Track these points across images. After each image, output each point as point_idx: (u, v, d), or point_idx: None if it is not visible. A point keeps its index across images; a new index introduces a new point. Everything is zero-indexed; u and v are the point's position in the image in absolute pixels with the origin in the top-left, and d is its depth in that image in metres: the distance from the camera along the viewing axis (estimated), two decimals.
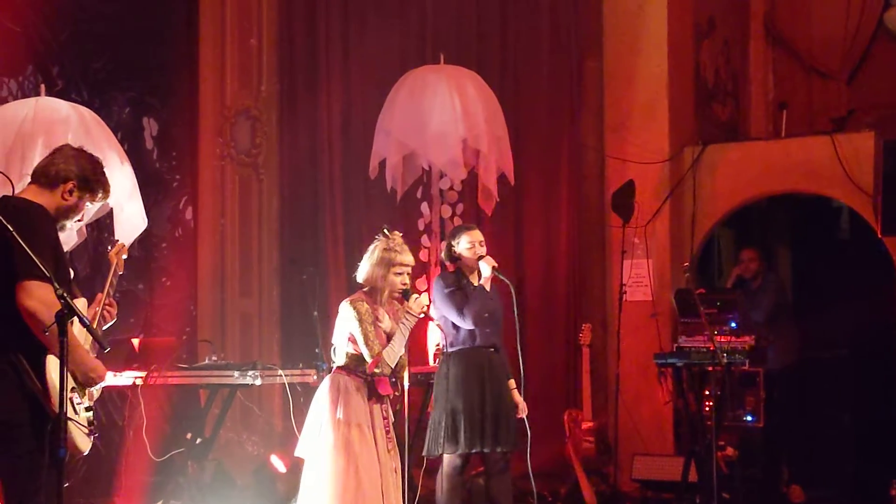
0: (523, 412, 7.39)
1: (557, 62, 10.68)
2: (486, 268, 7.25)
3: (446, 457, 7.24)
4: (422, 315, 6.51)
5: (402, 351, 6.40)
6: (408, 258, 6.48)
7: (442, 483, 7.32)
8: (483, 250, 7.30)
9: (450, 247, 7.37)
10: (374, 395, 6.36)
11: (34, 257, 4.39)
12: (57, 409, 4.46)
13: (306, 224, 10.95)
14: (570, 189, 10.59)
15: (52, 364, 4.56)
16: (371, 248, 6.50)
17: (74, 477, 8.66)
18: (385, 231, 6.52)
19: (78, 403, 4.76)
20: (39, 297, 4.51)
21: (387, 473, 6.33)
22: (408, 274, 6.48)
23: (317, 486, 6.28)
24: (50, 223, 4.75)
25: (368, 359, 6.30)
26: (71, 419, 4.55)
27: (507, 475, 7.34)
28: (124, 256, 5.66)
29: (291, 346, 10.42)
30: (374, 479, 6.25)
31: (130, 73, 9.94)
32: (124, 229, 7.84)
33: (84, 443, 4.78)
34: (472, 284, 7.31)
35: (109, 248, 5.81)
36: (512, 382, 7.39)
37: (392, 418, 6.50)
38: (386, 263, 6.40)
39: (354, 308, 6.35)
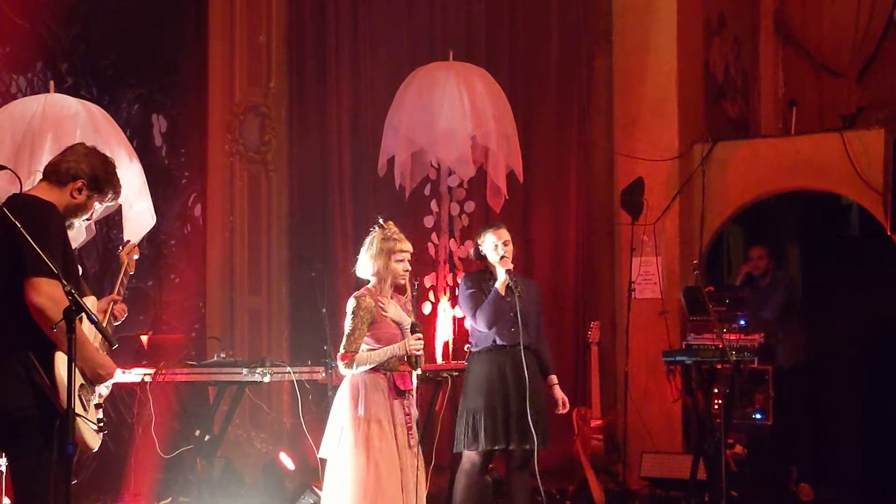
0: (563, 408, 7.43)
1: (567, 59, 10.66)
2: (501, 272, 7.25)
3: (466, 453, 7.25)
4: (410, 353, 6.41)
5: (370, 367, 6.34)
6: (407, 245, 6.47)
7: (460, 479, 7.32)
8: (507, 249, 7.29)
9: (477, 245, 7.38)
10: (394, 390, 6.35)
11: (43, 254, 4.40)
12: (65, 406, 4.48)
13: (315, 221, 10.95)
14: (579, 186, 10.58)
15: (61, 360, 4.56)
16: (368, 240, 6.48)
17: (84, 474, 8.68)
18: (380, 222, 6.51)
19: (87, 400, 4.76)
20: (47, 294, 4.51)
21: (407, 469, 6.30)
22: (408, 261, 6.47)
23: (338, 484, 6.27)
24: (59, 220, 4.76)
25: (342, 350, 6.29)
26: (80, 416, 4.56)
27: (527, 473, 7.32)
28: (136, 257, 5.66)
29: (300, 344, 10.42)
30: (394, 475, 6.23)
31: (139, 70, 9.96)
32: (133, 226, 7.84)
33: (94, 440, 4.78)
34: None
35: (120, 248, 5.79)
36: (553, 378, 7.41)
37: (415, 414, 6.49)
38: (386, 252, 6.39)
39: (357, 302, 6.35)
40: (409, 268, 6.48)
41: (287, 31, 11.11)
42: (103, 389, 4.95)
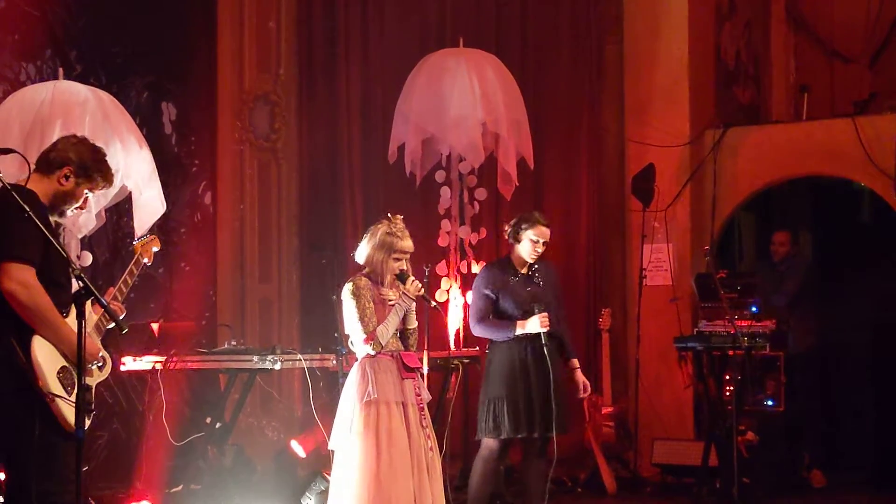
0: (584, 392, 7.41)
1: (577, 45, 10.64)
2: (535, 325, 7.06)
3: (485, 441, 7.22)
4: (418, 296, 6.43)
5: (393, 331, 6.34)
6: (408, 245, 6.40)
7: (477, 465, 7.30)
8: (542, 249, 7.19)
9: (517, 229, 7.22)
10: (403, 368, 6.33)
11: (14, 239, 4.45)
12: (44, 389, 4.52)
13: (325, 208, 10.93)
14: (590, 173, 10.56)
15: (38, 344, 4.59)
16: (372, 229, 6.43)
17: (95, 461, 8.68)
18: (388, 215, 6.47)
19: (68, 383, 4.74)
20: (17, 279, 4.56)
21: (419, 450, 6.26)
22: (406, 260, 6.43)
23: (346, 470, 6.23)
24: (36, 207, 4.73)
25: (362, 335, 6.25)
26: (60, 396, 4.56)
27: (544, 458, 7.29)
28: (155, 249, 5.58)
29: (311, 331, 10.41)
30: (404, 457, 6.18)
31: (149, 58, 9.93)
32: (143, 214, 7.83)
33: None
34: (519, 275, 7.24)
35: (137, 239, 5.69)
36: (575, 362, 7.36)
37: (426, 395, 6.46)
38: (387, 248, 6.34)
39: (353, 283, 6.32)
40: (405, 266, 6.44)
41: (297, 18, 11.08)
42: (95, 370, 4.93)
